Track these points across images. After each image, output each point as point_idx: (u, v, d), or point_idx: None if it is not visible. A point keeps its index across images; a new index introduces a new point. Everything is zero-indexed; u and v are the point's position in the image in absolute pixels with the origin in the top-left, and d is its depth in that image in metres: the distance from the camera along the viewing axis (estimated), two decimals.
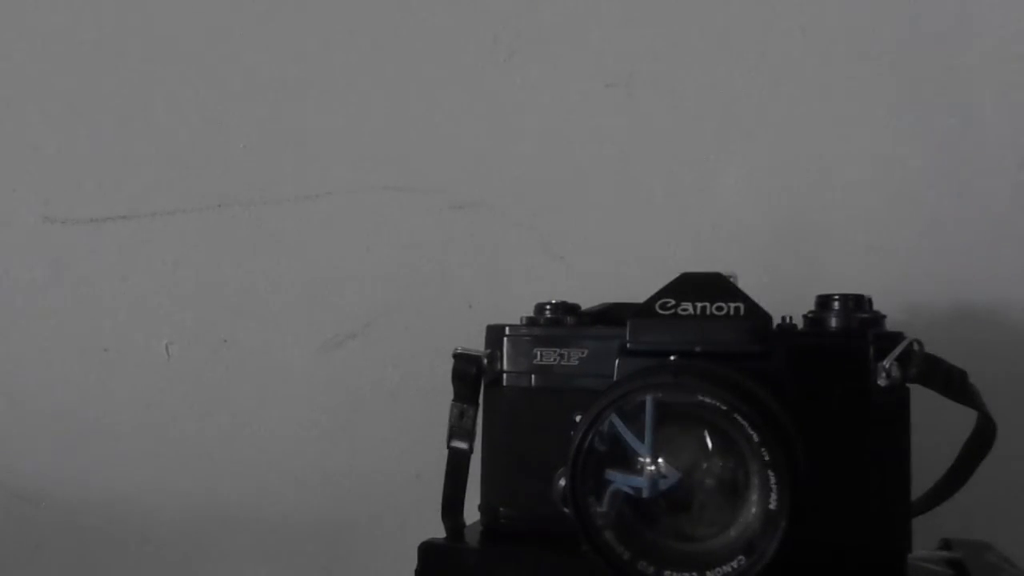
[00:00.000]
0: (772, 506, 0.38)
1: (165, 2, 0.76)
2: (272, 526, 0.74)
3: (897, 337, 0.44)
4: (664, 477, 0.40)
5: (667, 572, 0.39)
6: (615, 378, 0.43)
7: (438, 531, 0.50)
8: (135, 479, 0.75)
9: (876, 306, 0.47)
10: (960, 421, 0.47)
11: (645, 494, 0.40)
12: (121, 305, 0.75)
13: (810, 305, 0.48)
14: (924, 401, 0.45)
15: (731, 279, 0.44)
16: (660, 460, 0.40)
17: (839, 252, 0.66)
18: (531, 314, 0.51)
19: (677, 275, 0.44)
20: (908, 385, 0.44)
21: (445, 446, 0.51)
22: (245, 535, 0.74)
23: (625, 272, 0.68)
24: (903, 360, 0.43)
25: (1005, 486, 0.59)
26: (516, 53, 0.71)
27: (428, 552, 0.47)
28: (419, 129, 0.72)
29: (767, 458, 0.38)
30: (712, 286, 0.43)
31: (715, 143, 0.69)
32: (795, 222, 0.67)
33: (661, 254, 0.68)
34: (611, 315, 0.50)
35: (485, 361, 0.50)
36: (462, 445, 0.51)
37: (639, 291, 0.44)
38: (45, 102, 0.77)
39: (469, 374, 0.50)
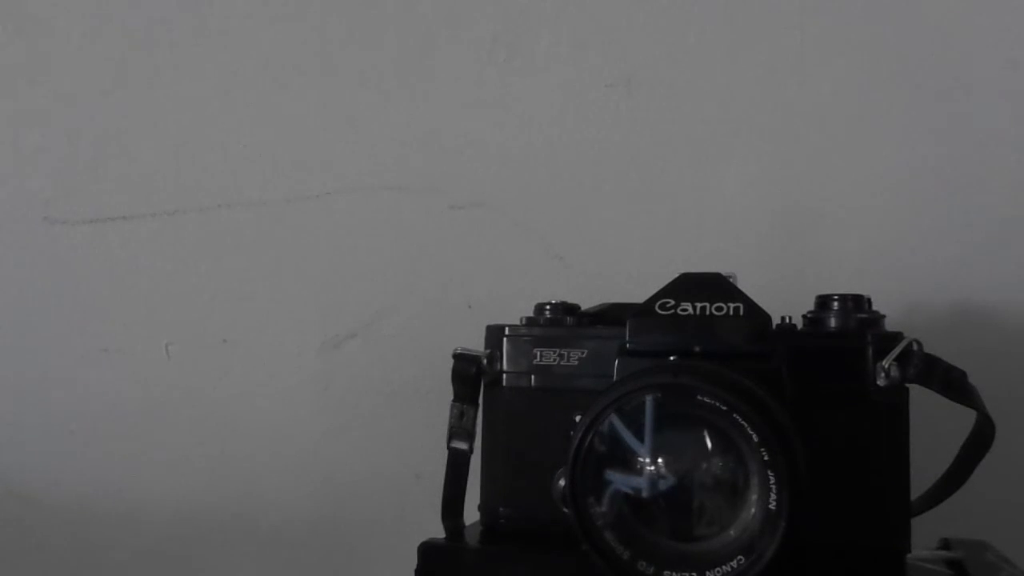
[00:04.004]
0: (771, 506, 0.38)
1: (165, 2, 0.76)
2: (272, 526, 0.74)
3: (896, 337, 0.44)
4: (663, 477, 0.40)
5: (666, 572, 0.39)
6: (615, 378, 0.42)
7: (438, 531, 0.50)
8: (135, 479, 0.75)
9: (876, 306, 0.47)
10: (960, 421, 0.47)
11: (645, 494, 0.40)
12: (121, 305, 0.75)
13: (810, 305, 0.48)
14: (924, 401, 0.45)
15: (731, 279, 0.44)
16: (659, 460, 0.40)
17: (839, 252, 0.66)
18: (531, 314, 0.51)
19: (677, 275, 0.44)
20: (907, 385, 0.44)
21: (445, 446, 0.51)
22: (245, 535, 0.74)
23: (625, 272, 0.68)
24: (902, 360, 0.43)
25: (1005, 486, 0.59)
26: (515, 53, 0.71)
27: (428, 552, 0.47)
28: (419, 129, 0.72)
29: (766, 458, 0.38)
30: (712, 286, 0.43)
31: (715, 143, 0.69)
32: (795, 222, 0.67)
33: (661, 254, 0.68)
34: (611, 315, 0.50)
35: (485, 361, 0.49)
36: (462, 445, 0.51)
37: (639, 291, 0.45)
38: (46, 102, 0.77)
39: (469, 374, 0.50)
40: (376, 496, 0.72)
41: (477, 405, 0.50)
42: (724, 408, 0.38)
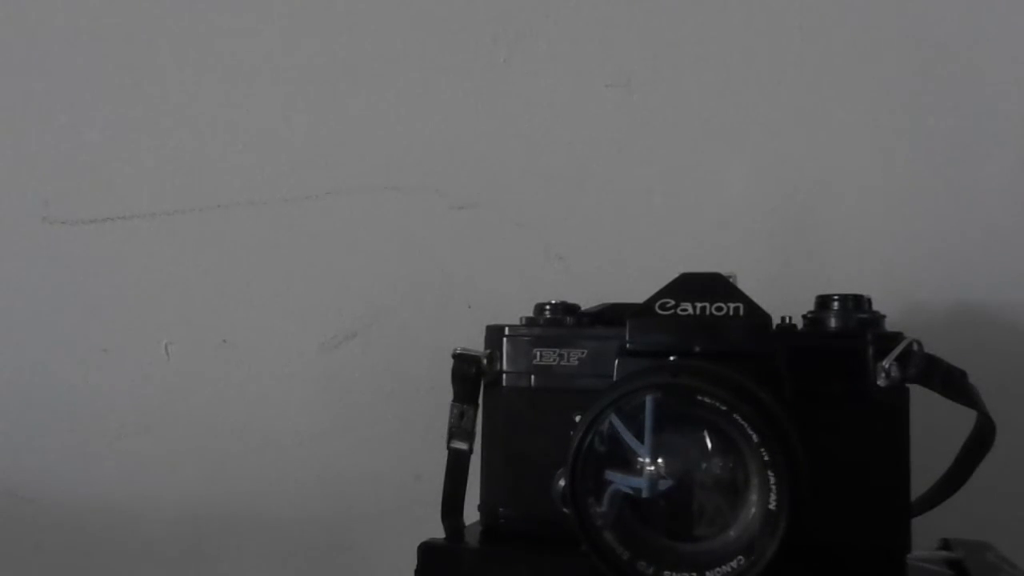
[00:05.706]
0: (771, 506, 0.38)
1: (165, 3, 0.76)
2: (272, 526, 0.74)
3: (896, 337, 0.44)
4: (663, 477, 0.40)
5: (666, 572, 0.39)
6: (615, 378, 0.42)
7: (438, 531, 0.50)
8: (135, 479, 0.75)
9: (876, 306, 0.47)
10: (960, 421, 0.47)
11: (645, 494, 0.40)
12: (121, 305, 0.75)
13: (810, 305, 0.48)
14: (924, 401, 0.45)
15: (731, 279, 0.44)
16: (659, 460, 0.40)
17: (839, 252, 0.66)
18: (531, 314, 0.51)
19: (677, 275, 0.44)
20: (907, 385, 0.44)
21: (445, 446, 0.51)
22: (245, 535, 0.74)
23: (625, 272, 0.68)
24: (902, 360, 0.43)
25: (1005, 486, 0.59)
26: (516, 53, 0.71)
27: (428, 552, 0.47)
28: (419, 129, 0.72)
29: (767, 458, 0.38)
30: (712, 286, 0.43)
31: (715, 143, 0.69)
32: (795, 222, 0.67)
33: (661, 254, 0.68)
34: (611, 315, 0.50)
35: (485, 361, 0.49)
36: (462, 445, 0.51)
37: (639, 291, 0.44)
38: (45, 102, 0.77)
39: (469, 374, 0.50)
40: (376, 496, 0.72)
41: (477, 405, 0.50)
42: (724, 408, 0.38)
